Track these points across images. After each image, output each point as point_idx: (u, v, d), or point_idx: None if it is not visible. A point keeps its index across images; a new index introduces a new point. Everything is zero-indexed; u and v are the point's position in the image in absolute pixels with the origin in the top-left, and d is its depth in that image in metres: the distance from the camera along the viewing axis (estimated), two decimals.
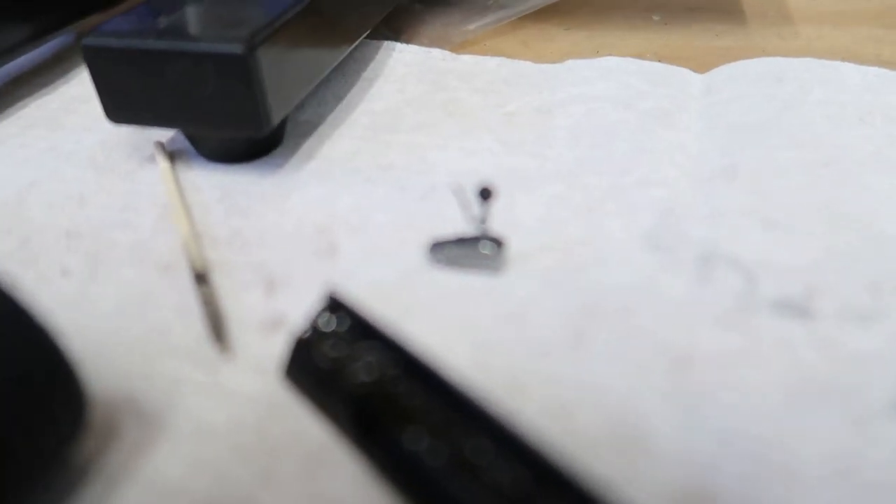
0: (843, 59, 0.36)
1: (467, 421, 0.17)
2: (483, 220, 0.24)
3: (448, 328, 0.23)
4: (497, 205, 0.27)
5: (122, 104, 0.30)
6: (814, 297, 0.22)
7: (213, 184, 0.31)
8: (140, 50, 0.28)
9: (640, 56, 0.39)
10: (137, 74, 0.29)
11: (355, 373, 0.19)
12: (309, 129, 0.35)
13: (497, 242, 0.24)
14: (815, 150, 0.29)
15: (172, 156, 0.33)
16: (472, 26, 0.46)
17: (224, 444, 0.19)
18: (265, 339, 0.23)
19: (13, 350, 0.15)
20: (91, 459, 0.19)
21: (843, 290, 0.22)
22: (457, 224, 0.26)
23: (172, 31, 0.29)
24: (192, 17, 0.30)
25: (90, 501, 0.18)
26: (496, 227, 0.26)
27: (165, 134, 0.34)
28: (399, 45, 0.42)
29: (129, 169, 0.33)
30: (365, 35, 0.39)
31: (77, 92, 0.41)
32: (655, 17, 0.44)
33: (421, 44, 0.43)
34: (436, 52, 0.41)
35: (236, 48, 0.27)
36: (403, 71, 0.40)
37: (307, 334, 0.21)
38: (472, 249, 0.25)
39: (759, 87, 0.34)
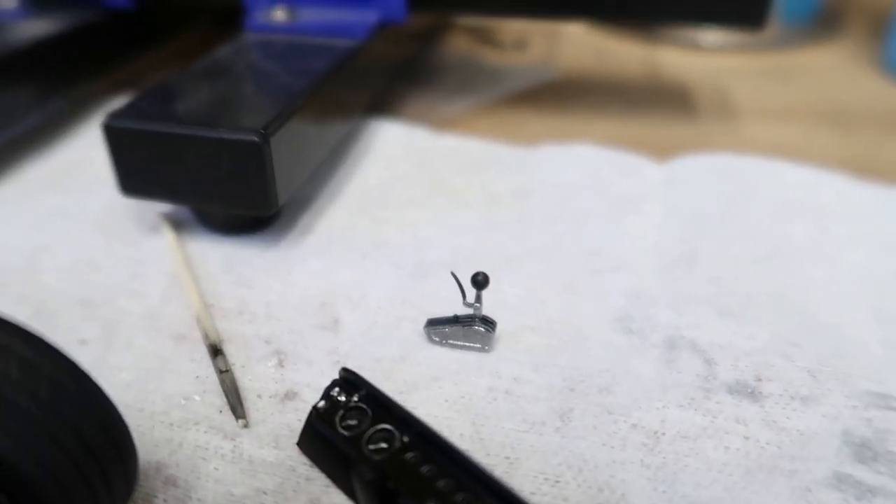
0: (781, 154, 0.41)
1: (475, 489, 0.20)
2: (478, 304, 0.27)
3: (447, 402, 0.25)
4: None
5: (137, 180, 0.32)
6: (762, 379, 0.26)
7: (218, 255, 0.33)
8: (160, 133, 0.30)
9: (603, 142, 0.43)
10: (155, 155, 0.31)
11: (371, 441, 0.22)
12: (305, 203, 0.37)
13: (489, 323, 0.27)
14: (761, 242, 0.33)
15: (175, 225, 0.35)
16: (451, 107, 0.49)
17: None
18: (280, 410, 0.25)
19: (88, 424, 0.17)
20: None
21: (787, 375, 0.26)
22: (447, 301, 0.28)
23: (191, 116, 0.31)
24: (207, 102, 0.33)
25: None
26: (484, 304, 0.29)
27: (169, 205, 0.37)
28: (384, 123, 0.45)
29: (134, 237, 0.35)
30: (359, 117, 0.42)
31: (74, 157, 0.42)
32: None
33: (404, 120, 0.46)
34: (419, 131, 0.45)
35: (253, 136, 0.30)
36: (390, 148, 0.43)
37: (323, 404, 0.23)
38: (466, 329, 0.27)
39: (711, 182, 0.38)
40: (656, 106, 0.50)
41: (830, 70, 0.56)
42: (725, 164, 0.40)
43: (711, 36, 0.60)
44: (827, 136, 0.46)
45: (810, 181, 0.39)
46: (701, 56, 0.59)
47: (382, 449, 0.21)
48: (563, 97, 0.51)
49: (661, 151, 0.42)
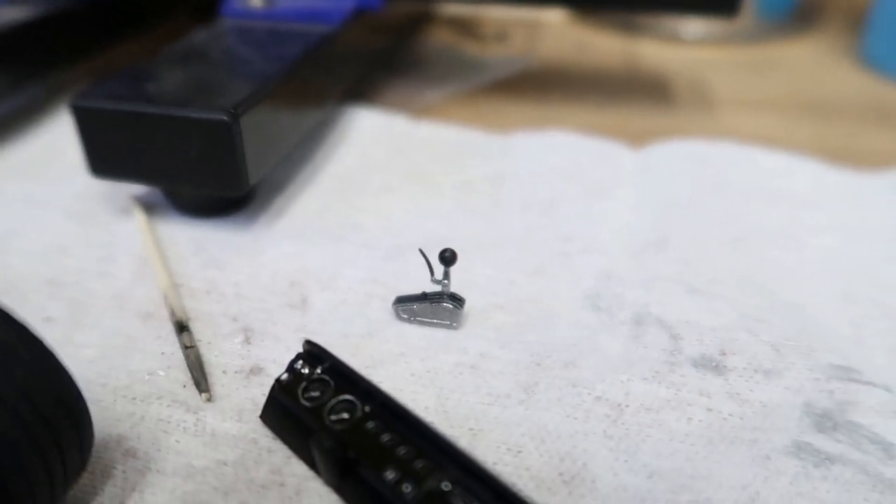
0: (758, 143, 0.41)
1: (435, 456, 0.20)
2: (446, 281, 0.27)
3: (413, 377, 0.25)
4: (456, 265, 0.30)
5: (107, 161, 0.32)
6: (727, 354, 0.26)
7: (188, 237, 0.33)
8: (130, 112, 0.30)
9: (580, 130, 0.43)
10: (125, 135, 0.31)
11: (332, 412, 0.22)
12: (278, 188, 0.37)
13: (458, 300, 0.27)
14: (732, 227, 0.34)
15: (147, 208, 0.35)
16: (430, 95, 0.50)
17: (210, 481, 0.21)
18: (245, 385, 0.25)
19: (41, 390, 0.17)
20: (87, 495, 0.21)
21: (752, 349, 0.26)
22: (419, 282, 0.28)
23: (161, 96, 0.31)
24: (178, 83, 0.33)
25: None
26: (455, 285, 0.29)
27: (140, 187, 0.36)
28: (362, 110, 0.45)
29: (104, 220, 0.34)
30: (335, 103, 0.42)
31: (48, 144, 0.42)
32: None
33: (382, 108, 0.46)
34: (397, 119, 0.45)
35: (222, 116, 0.29)
36: (367, 135, 0.43)
37: (286, 377, 0.23)
38: (434, 306, 0.27)
39: (685, 168, 0.39)
40: (634, 96, 0.50)
41: (808, 63, 0.57)
42: (700, 150, 0.40)
43: (691, 28, 0.61)
44: (803, 126, 0.46)
45: (784, 167, 0.39)
46: (680, 48, 0.59)
47: (343, 419, 0.21)
48: (541, 87, 0.52)
49: (638, 139, 0.42)
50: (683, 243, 0.32)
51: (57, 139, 0.42)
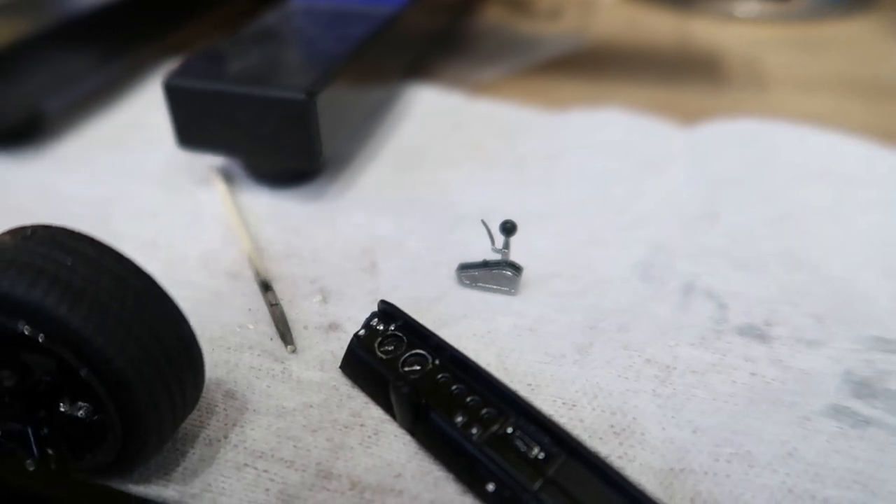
0: (809, 122, 0.42)
1: (499, 405, 0.22)
2: (506, 250, 0.29)
3: (475, 336, 0.27)
4: (514, 235, 0.32)
5: (193, 134, 0.35)
6: (771, 324, 0.27)
7: (265, 205, 0.36)
8: (216, 91, 0.33)
9: (633, 108, 0.44)
10: (210, 111, 0.34)
11: (406, 364, 0.24)
12: (346, 160, 0.40)
13: (516, 268, 0.29)
14: (780, 204, 0.35)
15: (225, 178, 0.38)
16: (485, 73, 0.51)
17: (299, 420, 0.24)
18: (324, 339, 0.27)
19: (166, 332, 0.20)
20: (196, 428, 0.24)
21: (795, 320, 0.27)
22: (479, 251, 0.31)
23: (244, 76, 0.33)
24: (256, 63, 0.35)
25: (198, 457, 0.23)
26: (512, 254, 0.31)
27: (217, 158, 0.39)
28: (421, 87, 0.47)
29: (188, 189, 0.37)
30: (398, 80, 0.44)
31: (131, 118, 0.45)
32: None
33: (440, 85, 0.48)
34: (454, 96, 0.47)
35: (300, 95, 0.32)
36: (426, 111, 0.45)
37: (363, 332, 0.26)
38: (494, 272, 0.29)
39: (735, 146, 0.40)
40: (687, 74, 0.51)
41: (862, 42, 0.57)
42: (751, 129, 0.41)
43: (746, 6, 0.61)
44: (855, 106, 0.46)
45: (832, 147, 0.40)
46: (734, 26, 0.59)
47: (416, 370, 0.24)
48: (594, 65, 0.53)
49: (690, 117, 0.43)
50: (732, 219, 0.34)
51: (138, 113, 0.45)
